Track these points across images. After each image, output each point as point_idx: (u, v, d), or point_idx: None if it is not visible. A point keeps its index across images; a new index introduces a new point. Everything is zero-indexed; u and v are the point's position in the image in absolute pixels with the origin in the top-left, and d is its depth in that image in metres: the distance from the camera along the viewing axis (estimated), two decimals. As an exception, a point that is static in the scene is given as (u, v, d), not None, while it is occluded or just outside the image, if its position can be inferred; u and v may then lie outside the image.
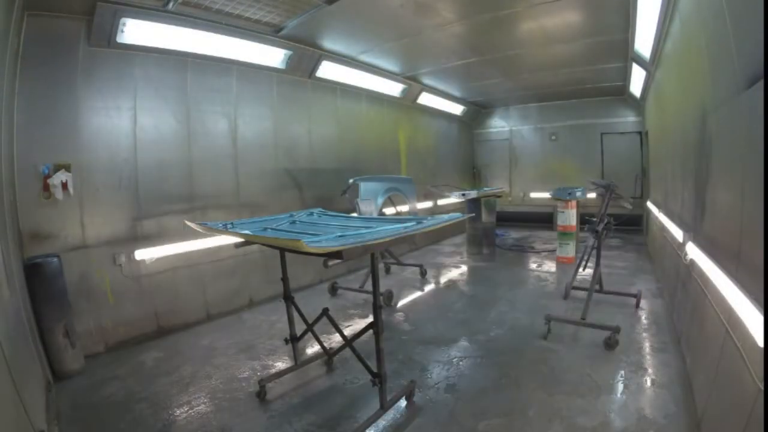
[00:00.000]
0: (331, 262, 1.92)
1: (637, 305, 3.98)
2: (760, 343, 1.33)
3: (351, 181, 5.09)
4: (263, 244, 2.47)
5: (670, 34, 3.43)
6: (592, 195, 6.73)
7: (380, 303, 2.41)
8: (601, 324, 3.34)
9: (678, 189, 3.64)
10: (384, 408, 2.41)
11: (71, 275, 3.26)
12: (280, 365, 3.18)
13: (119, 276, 3.65)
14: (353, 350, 2.58)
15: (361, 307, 4.52)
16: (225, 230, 2.49)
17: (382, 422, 2.39)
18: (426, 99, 7.98)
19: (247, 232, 2.40)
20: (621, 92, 7.83)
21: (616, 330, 3.19)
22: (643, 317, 3.81)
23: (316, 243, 1.86)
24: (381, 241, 2.09)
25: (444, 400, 2.63)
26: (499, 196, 7.73)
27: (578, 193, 6.17)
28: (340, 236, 2.09)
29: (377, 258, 2.41)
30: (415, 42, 5.05)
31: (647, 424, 2.27)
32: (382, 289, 4.61)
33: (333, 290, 5.01)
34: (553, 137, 9.38)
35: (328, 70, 5.56)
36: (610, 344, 3.15)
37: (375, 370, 2.40)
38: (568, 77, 6.99)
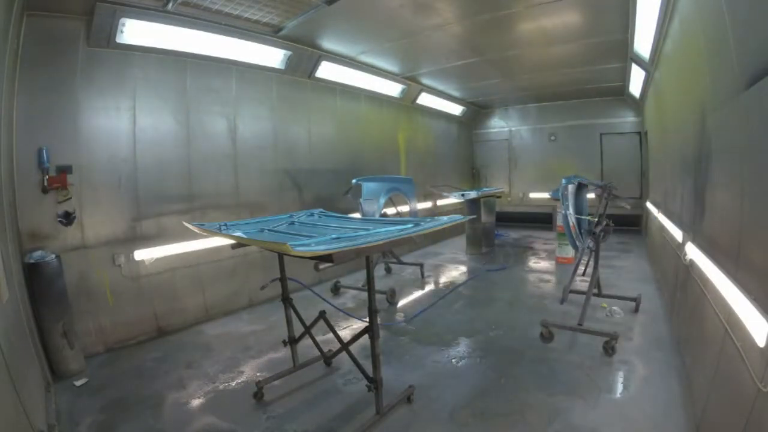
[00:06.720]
0: (322, 266, 1.90)
1: (637, 309, 3.92)
2: (760, 343, 1.33)
3: (354, 181, 5.10)
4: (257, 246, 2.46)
5: (670, 35, 3.43)
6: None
7: (375, 307, 2.37)
8: (599, 330, 3.30)
9: (677, 189, 3.64)
10: (380, 413, 2.38)
11: (71, 275, 3.26)
12: (279, 367, 3.16)
13: (119, 276, 3.65)
14: (349, 354, 2.56)
15: (363, 306, 4.51)
16: (218, 232, 2.48)
17: (378, 427, 2.36)
18: (425, 99, 7.98)
19: (239, 234, 2.38)
20: (620, 92, 7.83)
21: (614, 337, 3.09)
22: (642, 318, 3.80)
23: (304, 246, 1.79)
24: (374, 244, 2.05)
25: (443, 401, 2.62)
26: (498, 197, 7.74)
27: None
28: (335, 238, 2.06)
29: (372, 261, 2.39)
30: (415, 42, 5.05)
31: (647, 424, 2.27)
32: (385, 287, 4.65)
33: (335, 289, 5.02)
34: (553, 137, 9.39)
35: (327, 71, 5.56)
36: (607, 350, 3.07)
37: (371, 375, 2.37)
38: (568, 77, 6.99)
